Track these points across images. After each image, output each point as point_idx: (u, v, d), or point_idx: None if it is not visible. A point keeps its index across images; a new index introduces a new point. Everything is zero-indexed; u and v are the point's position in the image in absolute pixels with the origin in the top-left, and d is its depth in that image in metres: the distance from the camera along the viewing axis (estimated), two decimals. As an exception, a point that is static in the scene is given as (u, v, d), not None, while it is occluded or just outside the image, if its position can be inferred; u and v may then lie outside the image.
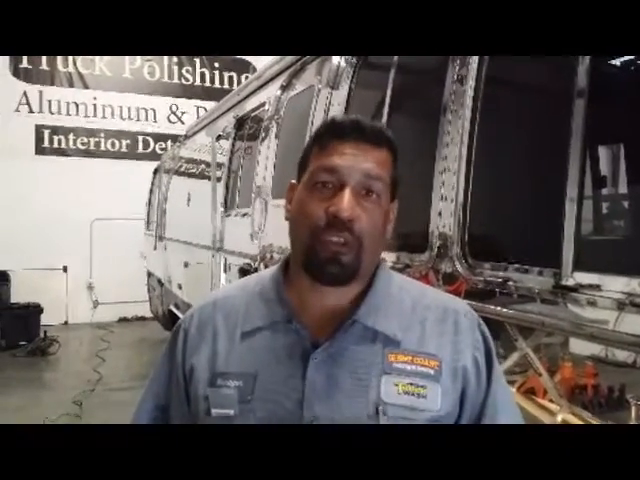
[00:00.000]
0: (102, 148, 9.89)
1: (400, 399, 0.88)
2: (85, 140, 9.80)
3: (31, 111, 9.45)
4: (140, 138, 10.14)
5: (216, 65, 10.57)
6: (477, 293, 1.75)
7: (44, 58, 9.52)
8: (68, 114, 9.68)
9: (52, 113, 9.59)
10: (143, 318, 9.21)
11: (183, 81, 10.46)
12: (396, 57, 2.28)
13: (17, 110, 9.36)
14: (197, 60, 10.50)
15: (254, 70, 9.05)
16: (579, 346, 2.28)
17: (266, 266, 3.34)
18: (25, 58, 9.41)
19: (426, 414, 0.88)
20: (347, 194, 0.87)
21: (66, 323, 9.31)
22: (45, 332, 7.70)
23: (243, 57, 10.41)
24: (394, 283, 0.99)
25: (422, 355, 0.91)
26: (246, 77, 9.28)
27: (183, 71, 10.45)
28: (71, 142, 9.73)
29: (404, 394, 0.89)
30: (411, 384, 0.89)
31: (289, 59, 3.52)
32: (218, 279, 4.37)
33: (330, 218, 0.87)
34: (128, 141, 10.05)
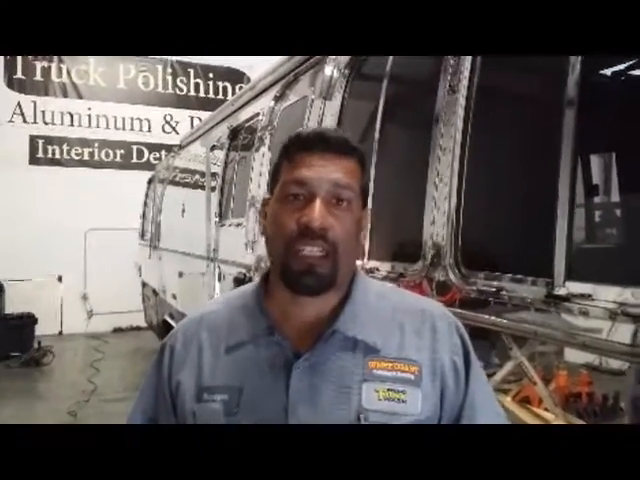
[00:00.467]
0: (96, 158, 9.89)
1: (381, 405, 0.90)
2: (79, 150, 9.80)
3: (25, 121, 9.45)
4: (134, 148, 10.14)
5: (210, 75, 10.61)
6: (470, 302, 1.76)
7: (38, 69, 9.53)
8: (62, 124, 9.68)
9: (46, 123, 9.59)
10: (138, 328, 9.17)
11: (177, 91, 10.48)
12: (388, 67, 2.29)
13: (11, 121, 9.35)
14: (191, 70, 10.53)
15: (248, 80, 9.08)
16: (573, 354, 2.29)
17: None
18: (19, 69, 9.42)
19: (407, 418, 0.90)
20: (317, 204, 0.89)
21: (60, 333, 9.26)
22: (39, 342, 7.66)
23: (237, 67, 10.45)
24: (371, 290, 1.01)
25: (402, 361, 0.93)
26: (240, 87, 9.31)
27: (177, 81, 10.48)
28: (65, 152, 9.72)
29: (385, 400, 0.90)
30: (391, 390, 0.91)
31: (282, 70, 3.54)
32: (213, 289, 4.36)
33: (302, 228, 0.89)
34: (122, 151, 10.05)
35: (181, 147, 6.60)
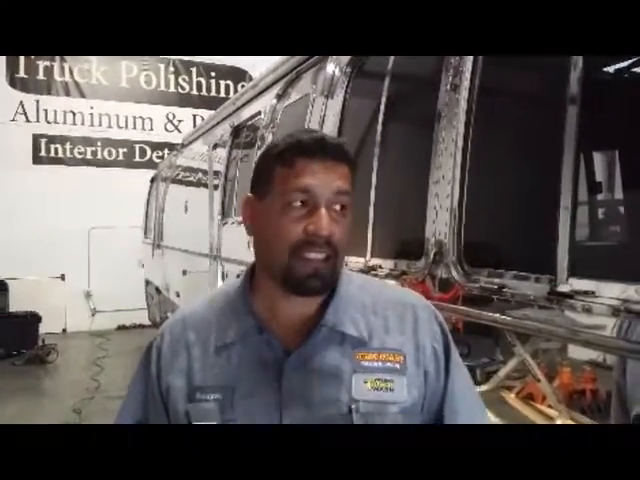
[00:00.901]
0: (99, 157, 9.91)
1: (370, 395, 0.94)
2: (82, 149, 9.81)
3: (28, 120, 9.47)
4: (137, 147, 10.15)
5: (212, 74, 10.60)
6: (473, 299, 1.76)
7: (41, 68, 9.54)
8: (65, 123, 9.69)
9: (49, 122, 9.60)
10: (141, 326, 9.19)
11: (180, 90, 10.48)
12: (390, 66, 2.29)
13: (14, 120, 9.37)
14: (193, 69, 10.52)
15: (250, 79, 9.08)
16: (577, 351, 2.28)
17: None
18: (22, 68, 9.43)
19: (394, 406, 0.94)
20: (324, 213, 0.92)
21: (64, 331, 9.29)
22: (43, 340, 7.68)
23: (239, 66, 10.44)
24: (354, 284, 1.04)
25: (387, 351, 0.97)
26: (242, 86, 9.31)
27: (180, 80, 10.48)
28: (68, 151, 9.74)
29: (373, 390, 0.94)
30: (379, 379, 0.94)
31: (284, 68, 3.54)
32: (216, 286, 4.37)
33: (310, 237, 0.91)
34: (125, 150, 10.06)
35: (183, 145, 6.61)
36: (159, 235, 7.00)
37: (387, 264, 2.18)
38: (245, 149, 4.27)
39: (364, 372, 0.95)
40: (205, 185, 5.07)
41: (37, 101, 9.53)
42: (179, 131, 9.92)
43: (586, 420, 2.08)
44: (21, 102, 9.42)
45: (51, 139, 9.62)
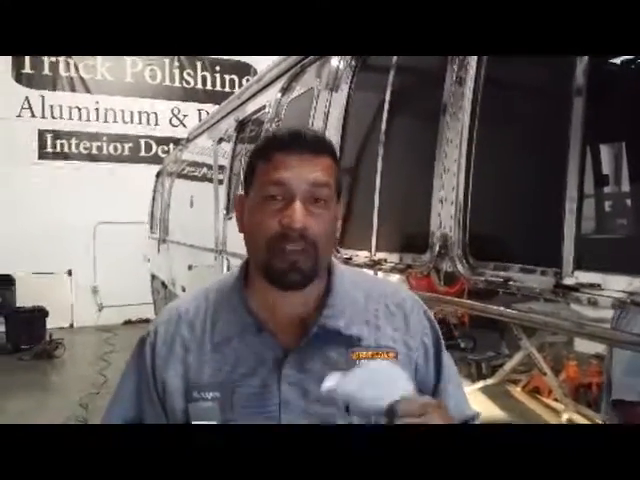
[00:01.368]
0: (104, 152, 9.92)
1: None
2: (87, 144, 9.83)
3: (33, 116, 9.49)
4: (142, 142, 10.16)
5: (217, 68, 10.59)
6: (478, 293, 1.76)
7: (46, 63, 9.56)
8: (70, 118, 9.72)
9: (54, 118, 9.62)
10: (148, 320, 9.20)
11: (185, 84, 10.48)
12: (395, 59, 2.28)
13: (20, 115, 9.39)
14: (198, 63, 10.52)
15: (255, 73, 9.06)
16: (583, 345, 2.28)
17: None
18: (27, 64, 9.45)
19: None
20: (298, 205, 0.92)
21: (71, 326, 9.34)
22: (51, 335, 7.73)
23: (244, 60, 10.43)
24: (346, 279, 1.05)
25: (381, 349, 0.98)
26: (247, 80, 9.30)
27: (184, 74, 10.47)
28: (73, 146, 9.76)
29: None
30: None
31: (289, 62, 3.53)
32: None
33: (285, 230, 0.91)
34: (130, 145, 10.08)
35: (189, 140, 6.61)
36: (165, 230, 7.01)
37: (392, 258, 2.17)
38: (250, 143, 4.27)
39: None
40: (210, 180, 5.07)
41: (42, 97, 9.55)
42: (184, 126, 9.92)
43: (592, 413, 2.08)
44: (27, 98, 9.44)
45: (57, 134, 9.64)
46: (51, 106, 9.60)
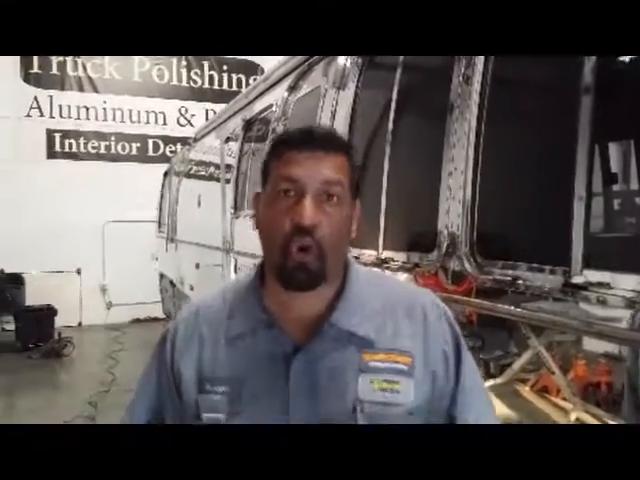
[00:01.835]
0: (113, 151, 9.97)
1: (375, 396, 0.93)
2: (96, 144, 9.88)
3: (42, 115, 9.54)
4: (150, 141, 10.20)
5: (224, 67, 10.61)
6: (486, 292, 1.75)
7: (54, 63, 9.61)
8: (78, 118, 9.76)
9: (63, 117, 9.67)
10: (156, 319, 9.26)
11: (192, 84, 10.51)
12: (402, 57, 2.28)
13: (28, 115, 9.45)
14: (206, 63, 10.54)
15: (262, 72, 9.07)
16: (592, 344, 2.27)
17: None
18: (36, 64, 9.50)
19: (400, 408, 0.93)
20: (308, 202, 0.91)
21: (80, 325, 9.39)
22: (59, 334, 7.78)
23: (251, 59, 10.44)
24: (363, 281, 1.03)
25: (395, 352, 0.95)
26: (254, 79, 9.30)
27: (192, 74, 10.50)
28: (82, 146, 9.81)
29: (379, 391, 0.93)
30: (385, 380, 0.93)
31: (296, 61, 3.53)
32: (229, 280, 4.38)
33: (294, 227, 0.91)
34: (138, 144, 10.12)
35: (196, 139, 6.63)
36: (173, 229, 7.03)
37: (399, 257, 2.17)
38: (257, 142, 4.27)
39: (371, 372, 0.94)
40: (217, 179, 5.08)
41: (51, 96, 9.60)
42: (192, 125, 9.95)
43: (600, 412, 2.07)
44: (35, 97, 9.50)
45: (65, 134, 9.70)
46: (59, 106, 9.66)
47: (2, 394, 5.98)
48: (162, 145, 10.27)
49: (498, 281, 1.69)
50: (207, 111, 10.25)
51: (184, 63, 10.42)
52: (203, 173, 5.94)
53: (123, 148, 10.05)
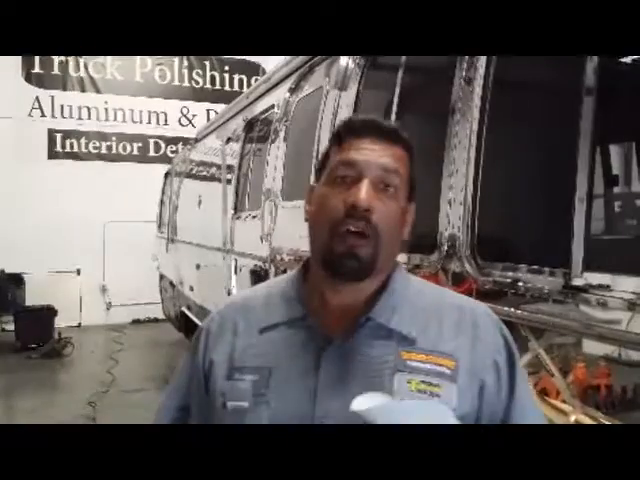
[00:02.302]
0: (114, 151, 9.98)
1: (412, 397, 0.87)
2: (97, 144, 9.89)
3: (43, 115, 9.55)
4: (151, 141, 10.21)
5: (226, 68, 10.62)
6: (486, 293, 1.75)
7: (56, 63, 9.62)
8: (80, 118, 9.78)
9: (64, 117, 9.68)
10: (156, 320, 9.26)
11: (193, 84, 10.52)
12: (404, 58, 2.28)
13: (30, 115, 9.46)
14: (207, 63, 10.55)
15: (263, 72, 9.08)
16: (592, 346, 2.27)
17: (276, 268, 3.35)
18: (37, 64, 9.51)
19: None
20: (365, 185, 0.89)
21: (80, 325, 9.38)
22: (59, 334, 7.77)
23: (253, 60, 10.45)
24: (411, 284, 0.99)
25: (437, 354, 0.90)
26: (256, 80, 9.31)
27: (193, 74, 10.51)
28: (83, 146, 9.82)
29: (417, 392, 0.88)
30: (424, 382, 0.88)
31: (298, 61, 3.53)
32: (229, 281, 4.39)
33: (348, 209, 0.88)
34: (140, 144, 10.12)
35: (197, 140, 6.63)
36: (173, 229, 7.04)
37: (400, 258, 2.17)
38: (258, 143, 4.27)
39: (408, 372, 0.89)
40: (218, 179, 5.09)
41: (52, 96, 9.61)
42: (193, 125, 9.95)
43: (599, 415, 2.06)
44: (37, 97, 9.51)
45: (66, 134, 9.70)
46: (61, 106, 9.67)
47: (2, 394, 5.98)
48: (163, 145, 10.28)
49: (498, 283, 1.69)
50: (208, 111, 10.26)
51: (186, 63, 10.43)
52: (204, 174, 5.95)
53: (124, 148, 10.06)
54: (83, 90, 9.81)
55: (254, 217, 3.85)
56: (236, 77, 10.69)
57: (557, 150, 1.64)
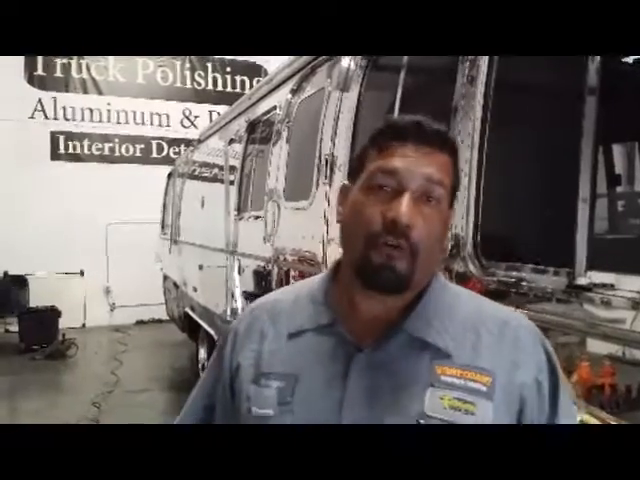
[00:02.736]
0: (117, 153, 10.00)
1: (445, 414, 0.83)
2: (100, 145, 9.91)
3: (46, 117, 9.58)
4: (154, 143, 10.23)
5: (228, 69, 10.64)
6: (490, 293, 1.75)
7: (58, 65, 9.65)
8: (82, 120, 9.80)
9: (67, 119, 9.72)
10: (160, 321, 9.27)
11: (196, 86, 10.54)
12: (406, 59, 2.28)
13: (32, 117, 9.49)
14: (209, 65, 10.57)
15: (265, 74, 9.09)
16: (596, 345, 2.26)
17: (279, 268, 3.36)
18: (40, 65, 9.54)
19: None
20: (406, 199, 0.83)
21: (84, 326, 9.41)
22: (63, 335, 7.79)
23: (255, 61, 10.46)
24: (449, 294, 0.94)
25: (473, 369, 0.86)
26: (258, 81, 9.32)
27: (195, 76, 10.53)
28: (86, 148, 9.85)
29: (450, 409, 0.84)
30: (458, 399, 0.84)
31: (299, 63, 3.54)
32: (232, 281, 4.39)
33: (387, 223, 0.83)
34: (142, 146, 10.15)
35: (200, 141, 6.64)
36: (176, 230, 7.04)
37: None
38: (260, 144, 4.28)
39: (442, 388, 0.84)
40: (221, 180, 5.09)
41: (55, 98, 9.64)
42: (195, 127, 9.98)
43: (604, 414, 2.06)
44: (39, 99, 9.54)
45: (69, 136, 9.73)
46: (63, 108, 9.70)
47: (6, 395, 6.00)
48: (166, 147, 10.30)
49: (502, 282, 1.69)
50: (211, 113, 10.27)
51: (188, 65, 10.45)
52: (207, 175, 5.95)
53: (127, 150, 10.08)
54: (85, 92, 9.85)
55: (257, 218, 3.85)
56: (238, 78, 10.71)
57: (560, 149, 1.64)
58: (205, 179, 6.02)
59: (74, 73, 9.78)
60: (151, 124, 10.23)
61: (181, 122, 10.40)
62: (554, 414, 0.88)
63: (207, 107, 10.44)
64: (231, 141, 4.97)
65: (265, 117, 4.17)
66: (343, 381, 0.87)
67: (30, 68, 9.49)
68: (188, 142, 8.39)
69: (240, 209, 4.43)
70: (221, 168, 5.23)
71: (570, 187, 1.49)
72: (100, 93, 9.90)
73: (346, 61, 2.75)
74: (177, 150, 10.11)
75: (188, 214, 6.54)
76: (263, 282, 3.68)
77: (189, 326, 6.32)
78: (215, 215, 4.97)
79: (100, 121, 9.91)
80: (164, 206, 8.33)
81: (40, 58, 9.49)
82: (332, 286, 0.96)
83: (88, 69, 9.83)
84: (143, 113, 10.16)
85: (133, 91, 10.06)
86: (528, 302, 1.63)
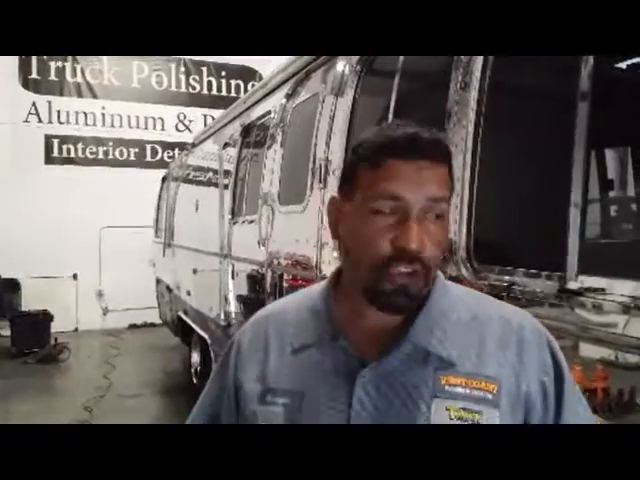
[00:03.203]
0: (110, 157, 9.98)
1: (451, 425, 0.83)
2: (94, 149, 9.89)
3: (40, 121, 9.55)
4: (148, 147, 10.21)
5: (223, 73, 10.64)
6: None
7: (53, 69, 9.62)
8: (77, 124, 9.77)
9: (61, 123, 9.68)
10: (152, 325, 9.24)
11: (190, 90, 10.53)
12: (400, 64, 2.29)
13: (26, 121, 9.45)
14: (204, 68, 10.57)
15: (260, 78, 9.10)
16: (588, 349, 2.27)
17: (273, 272, 3.36)
18: (34, 69, 9.51)
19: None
20: (415, 225, 0.81)
21: (76, 330, 9.35)
22: (56, 339, 7.74)
23: (250, 65, 10.47)
24: (451, 296, 0.93)
25: (479, 377, 0.84)
26: (252, 85, 9.33)
27: (190, 80, 10.52)
28: (80, 151, 9.81)
29: (457, 420, 0.83)
30: (465, 409, 0.83)
31: (294, 67, 3.54)
32: (226, 285, 4.38)
33: (398, 251, 0.81)
34: (136, 150, 10.13)
35: (194, 145, 6.63)
36: (170, 234, 7.03)
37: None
38: (255, 149, 4.28)
39: (447, 398, 0.83)
40: (215, 184, 5.09)
41: (49, 102, 9.61)
42: (190, 131, 9.97)
43: (598, 419, 2.07)
44: (34, 103, 9.51)
45: (63, 139, 9.70)
46: (58, 111, 9.66)
47: (-3, 399, 5.96)
48: (160, 150, 10.28)
49: (494, 286, 1.70)
50: (205, 117, 10.27)
51: (182, 69, 10.45)
52: (201, 179, 5.95)
53: (121, 153, 10.06)
54: (80, 96, 9.82)
55: (251, 222, 3.85)
56: (233, 82, 10.71)
57: (552, 154, 1.65)
58: (199, 183, 6.02)
59: (69, 77, 9.75)
60: (145, 128, 10.21)
61: (176, 126, 10.38)
62: (558, 417, 0.87)
63: (202, 111, 10.44)
64: (225, 145, 4.97)
65: (260, 121, 4.18)
66: (348, 397, 0.86)
67: (25, 72, 9.46)
68: (182, 146, 8.38)
69: (234, 213, 4.43)
70: (215, 172, 5.22)
71: (562, 192, 1.50)
72: (95, 97, 9.88)
73: (340, 66, 2.76)
74: (171, 154, 10.09)
75: (182, 218, 6.53)
76: (257, 286, 3.68)
77: (182, 330, 6.30)
78: (209, 219, 4.97)
79: (94, 125, 9.88)
80: (158, 210, 8.31)
81: (35, 62, 9.47)
82: (333, 295, 0.95)
83: (83, 73, 9.81)
84: (138, 117, 10.14)
85: (128, 95, 10.04)
86: (520, 306, 1.63)
